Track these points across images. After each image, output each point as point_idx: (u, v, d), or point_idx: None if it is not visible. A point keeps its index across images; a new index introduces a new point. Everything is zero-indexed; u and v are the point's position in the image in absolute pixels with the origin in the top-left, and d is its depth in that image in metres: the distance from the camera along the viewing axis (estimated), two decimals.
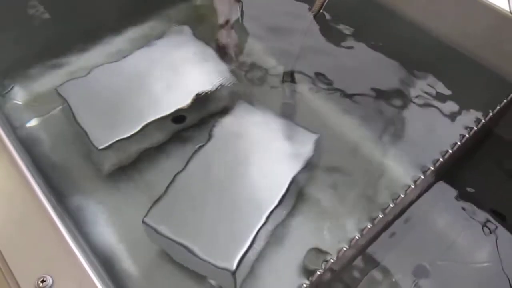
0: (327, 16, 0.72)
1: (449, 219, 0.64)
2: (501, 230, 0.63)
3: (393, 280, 0.58)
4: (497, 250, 0.62)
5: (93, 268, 0.38)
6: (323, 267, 0.45)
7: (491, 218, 0.64)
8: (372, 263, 0.59)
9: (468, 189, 0.66)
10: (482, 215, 0.64)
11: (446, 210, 0.65)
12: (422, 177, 0.51)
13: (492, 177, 0.67)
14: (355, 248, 0.50)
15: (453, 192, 0.66)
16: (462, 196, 0.65)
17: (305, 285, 0.44)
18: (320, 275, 0.45)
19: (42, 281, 0.36)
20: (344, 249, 0.46)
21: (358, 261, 0.59)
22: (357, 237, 0.47)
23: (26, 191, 0.43)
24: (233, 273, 0.48)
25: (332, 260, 0.45)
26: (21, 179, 0.44)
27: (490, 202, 0.65)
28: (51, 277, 0.36)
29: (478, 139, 0.62)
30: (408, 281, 0.58)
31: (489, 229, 0.63)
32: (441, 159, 0.52)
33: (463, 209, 0.65)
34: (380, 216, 0.48)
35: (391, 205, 0.49)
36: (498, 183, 0.66)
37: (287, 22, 0.68)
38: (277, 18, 0.73)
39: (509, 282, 0.59)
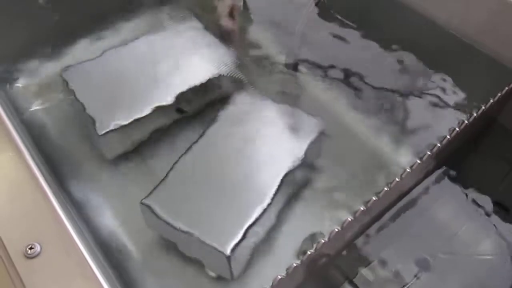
0: (328, 5, 0.72)
1: (452, 210, 0.63)
2: (505, 222, 0.62)
3: (393, 271, 0.58)
4: (501, 242, 0.61)
5: (82, 239, 0.39)
6: (314, 247, 0.45)
7: (494, 210, 0.63)
8: (372, 254, 0.59)
9: (472, 180, 0.65)
10: (486, 207, 0.63)
11: (449, 201, 0.64)
12: (419, 161, 0.51)
13: (496, 168, 0.66)
14: (348, 231, 0.50)
15: (456, 183, 0.65)
16: (466, 187, 0.65)
17: (295, 264, 0.44)
18: (311, 255, 0.45)
19: (30, 248, 0.37)
20: (336, 230, 0.46)
21: (358, 251, 0.59)
22: (349, 219, 0.47)
23: (22, 166, 0.44)
24: (228, 257, 0.48)
25: (323, 241, 0.45)
26: (18, 156, 0.45)
27: (494, 193, 0.64)
28: (39, 244, 0.37)
29: (479, 128, 0.61)
30: (409, 273, 0.58)
31: (492, 221, 0.63)
32: (439, 144, 0.52)
33: (466, 200, 0.64)
34: (374, 199, 0.48)
35: (386, 189, 0.49)
36: (503, 174, 0.66)
37: (290, 10, 0.68)
38: (280, 6, 0.74)
39: None
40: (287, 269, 0.44)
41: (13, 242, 0.37)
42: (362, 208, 0.47)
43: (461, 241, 0.61)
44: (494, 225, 0.62)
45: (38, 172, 0.43)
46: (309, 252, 0.45)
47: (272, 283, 0.43)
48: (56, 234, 0.38)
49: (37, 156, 0.49)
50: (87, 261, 0.38)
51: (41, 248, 0.37)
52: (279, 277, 0.43)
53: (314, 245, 0.45)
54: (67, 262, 0.37)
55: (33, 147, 0.52)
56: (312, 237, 0.55)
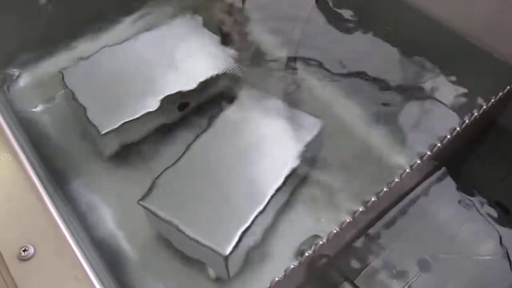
0: (329, 2, 0.71)
1: (452, 211, 0.63)
2: (505, 223, 0.62)
3: (394, 272, 0.58)
4: (501, 243, 0.60)
5: (76, 241, 0.39)
6: (313, 248, 0.45)
7: (495, 211, 0.63)
8: (372, 254, 0.58)
9: (473, 181, 0.65)
10: (486, 208, 0.63)
11: (450, 201, 0.63)
12: (419, 161, 0.50)
13: (497, 169, 0.65)
14: (347, 232, 0.49)
15: (457, 184, 0.64)
16: (466, 188, 0.64)
17: (292, 266, 0.43)
18: (309, 256, 0.45)
19: (24, 250, 0.36)
20: (335, 231, 0.45)
21: (359, 252, 0.58)
22: (348, 220, 0.46)
23: (17, 168, 0.43)
24: (226, 258, 0.47)
25: (321, 242, 0.45)
26: (13, 157, 0.45)
27: (494, 194, 0.63)
28: (33, 246, 0.37)
29: (481, 128, 0.61)
30: (410, 273, 0.57)
31: (492, 222, 0.62)
32: (439, 144, 0.51)
33: (467, 201, 0.64)
34: (373, 199, 0.47)
35: (385, 189, 0.48)
36: (503, 175, 0.65)
37: (290, 7, 0.68)
38: (280, 4, 0.73)
39: None
40: (285, 271, 0.43)
41: (7, 244, 0.37)
42: (361, 209, 0.47)
43: (462, 242, 0.60)
44: (494, 225, 0.62)
45: (33, 173, 0.42)
46: (307, 254, 0.44)
47: (270, 285, 0.42)
48: (50, 236, 0.38)
49: (34, 156, 0.49)
50: (81, 262, 0.37)
51: (34, 250, 0.37)
52: (277, 278, 0.43)
53: (313, 246, 0.45)
54: (60, 264, 0.37)
55: (30, 148, 0.52)
56: (311, 238, 0.54)
